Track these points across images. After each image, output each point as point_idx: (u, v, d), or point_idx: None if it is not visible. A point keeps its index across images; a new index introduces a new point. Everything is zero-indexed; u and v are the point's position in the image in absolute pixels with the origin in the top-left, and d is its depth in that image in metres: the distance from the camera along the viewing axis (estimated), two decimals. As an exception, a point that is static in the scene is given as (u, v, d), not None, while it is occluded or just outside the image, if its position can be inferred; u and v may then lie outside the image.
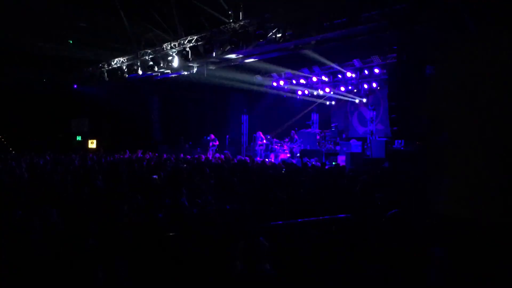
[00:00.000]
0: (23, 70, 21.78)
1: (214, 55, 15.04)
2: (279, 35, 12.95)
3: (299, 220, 4.96)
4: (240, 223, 4.96)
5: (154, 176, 8.91)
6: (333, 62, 17.85)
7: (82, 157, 15.97)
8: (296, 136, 19.43)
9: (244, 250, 3.54)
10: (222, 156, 16.67)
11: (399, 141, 14.54)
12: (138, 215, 5.49)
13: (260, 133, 20.34)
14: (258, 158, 18.16)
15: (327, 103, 22.61)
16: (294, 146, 19.43)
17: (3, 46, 18.17)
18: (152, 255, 4.16)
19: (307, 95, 21.69)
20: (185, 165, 12.54)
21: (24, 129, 23.43)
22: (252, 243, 3.56)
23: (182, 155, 18.43)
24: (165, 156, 17.45)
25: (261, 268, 3.44)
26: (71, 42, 18.61)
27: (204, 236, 4.53)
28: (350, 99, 21.04)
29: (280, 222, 4.89)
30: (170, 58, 16.29)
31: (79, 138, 25.47)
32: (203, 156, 16.95)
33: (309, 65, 19.48)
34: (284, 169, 11.24)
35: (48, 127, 23.96)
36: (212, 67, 17.32)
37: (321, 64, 18.97)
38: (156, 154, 18.77)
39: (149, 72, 18.41)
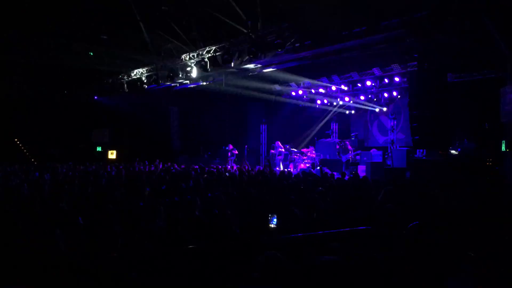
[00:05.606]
0: (45, 81, 22.20)
1: (232, 65, 15.03)
2: (297, 44, 12.89)
3: (319, 232, 4.84)
4: (258, 235, 4.88)
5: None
6: (352, 71, 17.71)
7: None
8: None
9: (261, 263, 3.48)
10: (243, 167, 16.58)
11: (421, 150, 14.27)
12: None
13: (279, 142, 20.26)
14: (277, 168, 18.04)
15: (347, 112, 22.40)
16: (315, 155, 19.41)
17: (25, 58, 18.58)
18: (171, 265, 4.15)
19: (326, 105, 21.54)
20: (205, 176, 12.52)
21: (46, 139, 23.81)
22: (269, 256, 3.50)
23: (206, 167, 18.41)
24: (183, 166, 17.44)
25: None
26: (91, 54, 18.90)
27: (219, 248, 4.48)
28: (370, 108, 20.82)
29: (300, 234, 4.79)
30: (188, 68, 16.35)
31: (99, 148, 25.71)
32: (220, 166, 16.90)
33: (328, 74, 19.37)
34: (302, 180, 11.09)
35: (69, 137, 24.29)
36: (230, 77, 17.32)
37: (340, 73, 18.84)
38: (183, 166, 18.77)
39: (168, 83, 18.54)
